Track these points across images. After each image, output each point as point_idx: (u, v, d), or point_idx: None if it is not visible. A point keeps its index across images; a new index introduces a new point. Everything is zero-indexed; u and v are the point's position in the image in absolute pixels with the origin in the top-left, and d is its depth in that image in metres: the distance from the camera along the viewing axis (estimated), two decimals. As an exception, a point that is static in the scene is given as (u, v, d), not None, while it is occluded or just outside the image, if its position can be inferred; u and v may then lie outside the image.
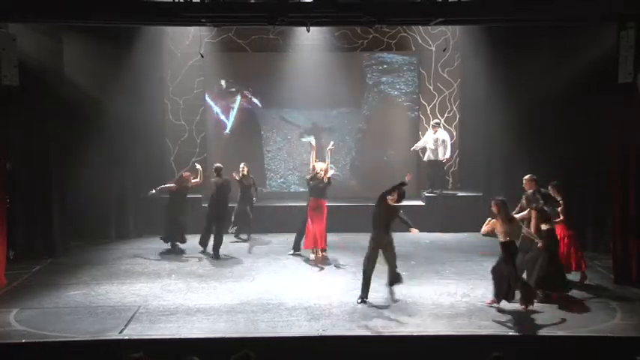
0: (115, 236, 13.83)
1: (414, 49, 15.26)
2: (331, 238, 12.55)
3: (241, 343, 7.61)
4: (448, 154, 14.60)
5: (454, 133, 15.24)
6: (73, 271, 11.49)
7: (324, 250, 11.92)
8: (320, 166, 11.99)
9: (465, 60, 14.99)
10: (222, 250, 12.42)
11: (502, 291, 9.40)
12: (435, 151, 14.48)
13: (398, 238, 13.76)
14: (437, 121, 14.71)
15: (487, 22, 12.03)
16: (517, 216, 9.88)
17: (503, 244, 9.39)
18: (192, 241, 13.03)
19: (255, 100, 15.46)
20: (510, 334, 8.58)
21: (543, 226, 9.83)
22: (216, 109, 15.42)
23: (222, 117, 15.45)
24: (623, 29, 10.41)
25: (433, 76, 15.28)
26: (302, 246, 12.23)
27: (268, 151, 15.64)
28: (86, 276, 11.22)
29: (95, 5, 10.40)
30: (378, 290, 10.32)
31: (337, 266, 11.75)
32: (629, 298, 10.07)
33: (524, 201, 10.50)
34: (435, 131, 14.56)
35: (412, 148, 14.88)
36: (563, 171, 12.55)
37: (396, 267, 10.00)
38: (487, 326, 8.85)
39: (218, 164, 12.80)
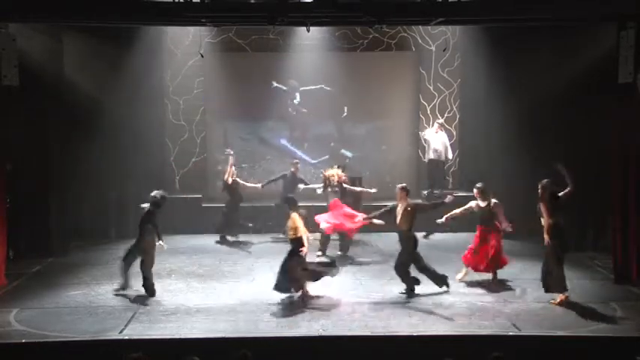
0: (115, 236, 13.83)
1: (414, 49, 15.26)
2: (332, 237, 12.53)
3: (241, 343, 7.62)
4: (450, 154, 14.66)
5: (454, 133, 15.24)
6: (73, 271, 11.49)
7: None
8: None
9: (465, 60, 14.98)
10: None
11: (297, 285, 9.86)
12: (438, 151, 14.49)
13: (397, 238, 13.87)
14: (441, 121, 14.76)
15: (487, 22, 12.02)
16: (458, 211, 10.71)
17: (292, 239, 9.86)
18: (196, 240, 13.10)
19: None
20: (510, 334, 8.57)
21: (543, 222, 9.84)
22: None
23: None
24: (623, 29, 10.41)
25: (433, 76, 15.28)
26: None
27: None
28: (86, 276, 11.23)
29: (95, 5, 10.40)
30: (378, 290, 10.34)
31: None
32: (629, 298, 10.07)
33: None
34: (437, 131, 14.58)
35: (421, 133, 14.94)
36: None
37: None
38: (487, 326, 8.85)
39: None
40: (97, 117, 13.32)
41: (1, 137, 11.04)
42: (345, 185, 12.66)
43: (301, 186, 13.60)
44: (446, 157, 14.64)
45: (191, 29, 14.42)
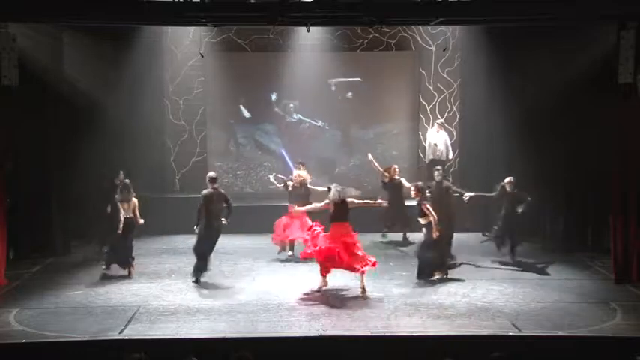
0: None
1: (414, 49, 15.27)
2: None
3: (241, 343, 7.62)
4: (451, 154, 14.66)
5: (454, 133, 15.24)
6: (73, 271, 11.49)
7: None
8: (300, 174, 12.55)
9: (465, 60, 14.99)
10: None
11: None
12: (440, 151, 14.48)
13: (398, 237, 13.88)
14: (442, 120, 14.77)
15: (487, 22, 12.03)
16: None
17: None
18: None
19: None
20: (510, 334, 8.57)
21: (422, 221, 10.73)
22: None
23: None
24: (623, 29, 10.42)
25: (433, 76, 15.29)
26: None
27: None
28: (86, 276, 11.22)
29: (95, 5, 10.40)
30: (379, 290, 10.34)
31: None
32: (629, 298, 10.08)
33: None
34: (438, 131, 14.58)
35: (427, 158, 14.79)
36: (562, 170, 12.56)
37: None
38: (487, 326, 8.85)
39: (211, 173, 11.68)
40: (97, 117, 13.33)
41: (1, 137, 11.05)
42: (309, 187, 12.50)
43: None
44: (447, 157, 14.66)
45: (191, 29, 14.45)
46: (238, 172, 15.50)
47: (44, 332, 8.61)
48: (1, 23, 10.60)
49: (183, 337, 8.46)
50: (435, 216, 10.59)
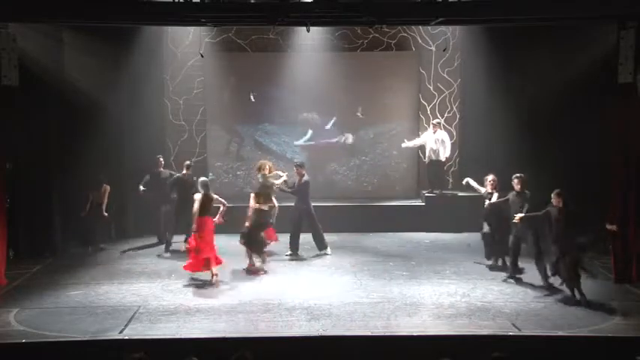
0: (115, 236, 13.83)
1: (414, 49, 15.26)
2: (331, 238, 12.58)
3: (241, 343, 7.62)
4: (448, 154, 14.64)
5: (454, 133, 15.24)
6: (73, 271, 11.49)
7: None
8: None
9: (465, 60, 14.98)
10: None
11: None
12: (436, 151, 14.48)
13: (398, 238, 13.89)
14: (438, 120, 14.75)
15: (487, 22, 12.03)
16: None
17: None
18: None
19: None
20: (510, 334, 8.58)
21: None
22: None
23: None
24: (623, 29, 10.42)
25: (433, 76, 15.28)
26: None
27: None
28: (86, 276, 11.23)
29: (95, 5, 10.40)
30: (378, 290, 10.35)
31: (337, 266, 11.75)
32: (629, 298, 10.09)
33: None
34: (435, 131, 14.57)
35: (404, 145, 14.82)
36: (562, 170, 12.54)
37: None
38: (487, 326, 8.85)
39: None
40: (97, 117, 13.30)
41: (1, 137, 11.05)
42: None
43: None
44: (445, 155, 14.60)
45: (191, 29, 14.45)
46: (238, 172, 15.50)
47: (44, 332, 8.61)
48: (1, 23, 10.60)
49: (183, 337, 8.47)
50: (254, 209, 11.52)
